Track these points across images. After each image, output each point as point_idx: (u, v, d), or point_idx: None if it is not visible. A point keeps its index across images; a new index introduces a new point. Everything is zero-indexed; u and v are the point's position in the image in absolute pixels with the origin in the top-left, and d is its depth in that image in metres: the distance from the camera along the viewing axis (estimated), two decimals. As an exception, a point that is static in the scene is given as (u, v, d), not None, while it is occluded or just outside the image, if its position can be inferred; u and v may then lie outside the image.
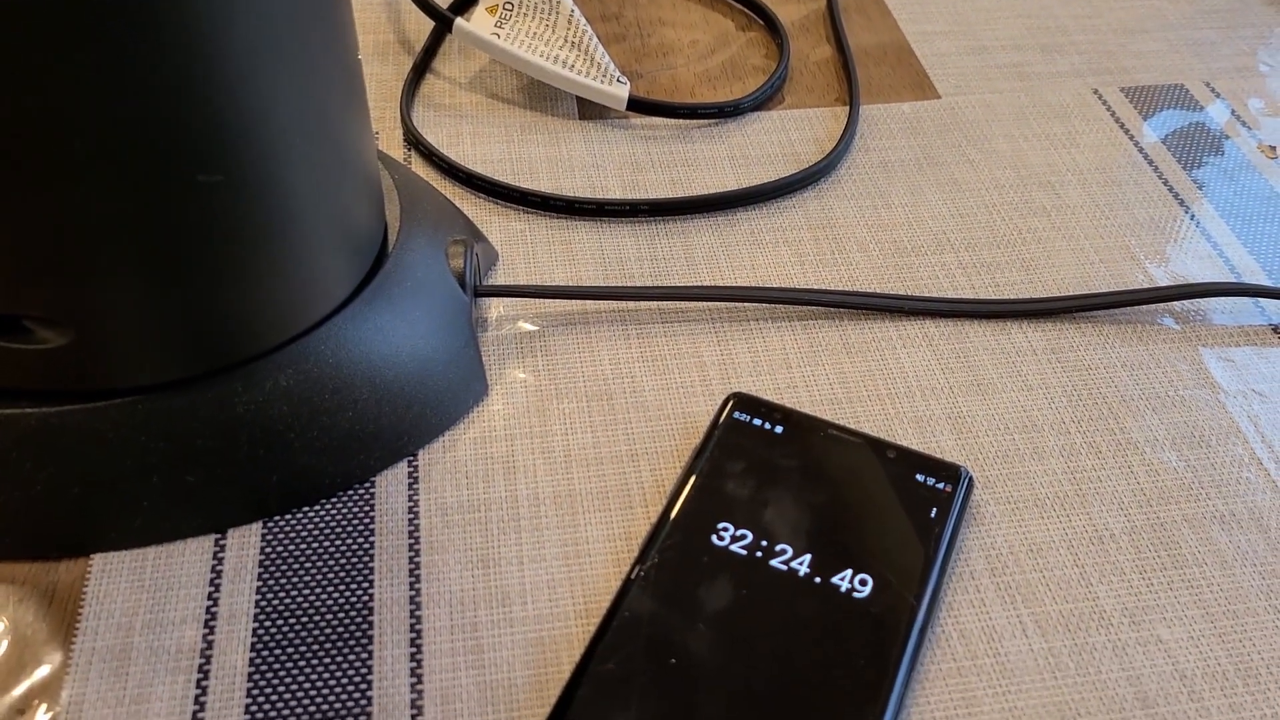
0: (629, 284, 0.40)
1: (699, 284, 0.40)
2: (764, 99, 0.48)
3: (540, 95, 0.48)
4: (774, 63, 0.51)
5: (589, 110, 0.47)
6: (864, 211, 0.43)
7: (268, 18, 0.26)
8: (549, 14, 0.47)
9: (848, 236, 0.42)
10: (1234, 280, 0.41)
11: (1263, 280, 0.41)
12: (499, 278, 0.40)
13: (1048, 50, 0.53)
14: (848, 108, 0.48)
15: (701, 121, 0.47)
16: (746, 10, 0.54)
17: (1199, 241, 0.43)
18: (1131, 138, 0.47)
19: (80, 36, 0.23)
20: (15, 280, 0.27)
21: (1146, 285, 0.41)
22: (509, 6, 0.48)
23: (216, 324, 0.30)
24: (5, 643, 0.29)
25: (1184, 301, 0.40)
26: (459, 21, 0.47)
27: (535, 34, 0.47)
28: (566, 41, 0.47)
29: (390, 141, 0.45)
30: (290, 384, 0.31)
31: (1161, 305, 0.40)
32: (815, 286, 0.40)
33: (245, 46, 0.25)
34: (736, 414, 0.34)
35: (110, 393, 0.30)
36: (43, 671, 0.28)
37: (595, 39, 0.47)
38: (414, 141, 0.45)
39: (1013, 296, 0.40)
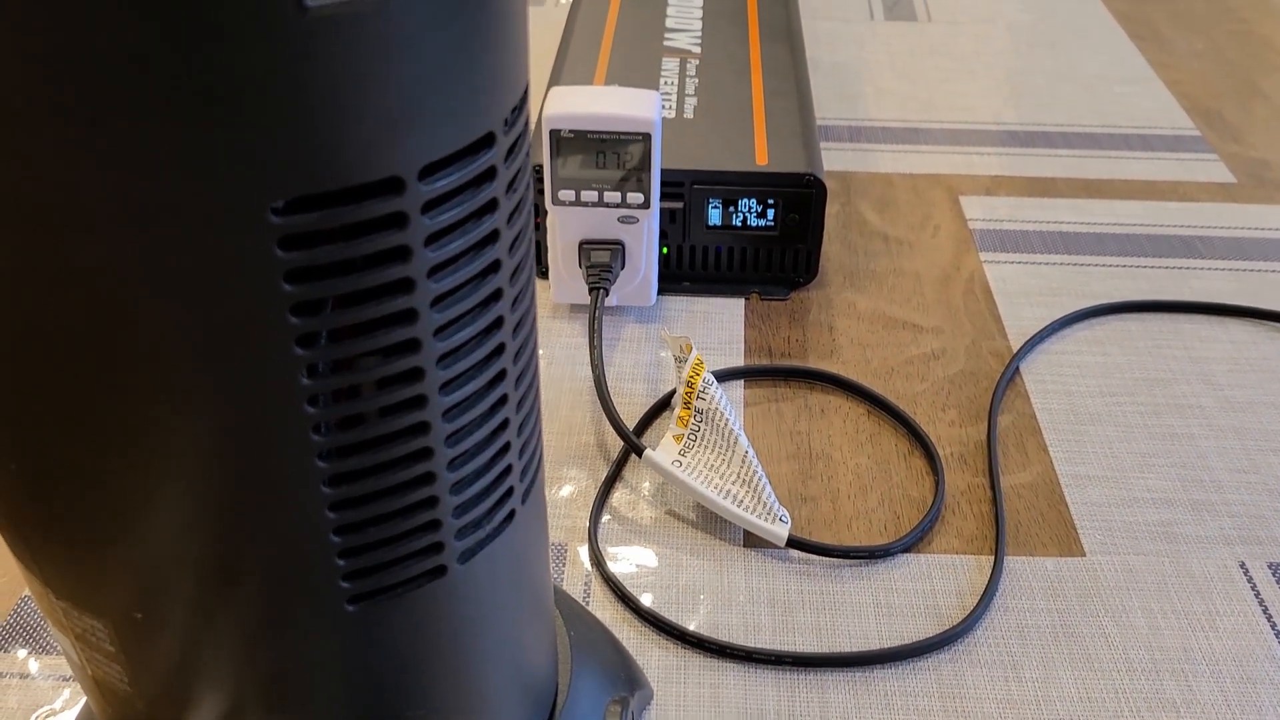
0: (766, 740, 0.44)
1: (829, 749, 0.44)
2: (913, 543, 0.53)
3: (711, 517, 0.55)
4: (929, 495, 0.56)
5: (753, 538, 0.53)
6: (995, 683, 0.47)
7: (494, 625, 0.33)
8: (726, 450, 0.54)
9: (976, 711, 0.46)
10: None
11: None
12: (650, 719, 0.45)
13: (1198, 508, 0.55)
14: (993, 558, 0.52)
15: (853, 561, 0.52)
16: (909, 434, 0.60)
17: (1330, 769, 0.43)
18: (1275, 627, 0.49)
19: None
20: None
21: (1270, 812, 0.42)
22: (693, 438, 0.55)
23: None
24: None
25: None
26: (648, 452, 0.54)
27: (712, 466, 0.54)
28: (739, 478, 0.53)
29: (576, 557, 0.52)
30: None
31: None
32: (938, 765, 0.44)
33: (471, 647, 0.33)
34: None
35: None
36: None
37: (764, 478, 0.53)
38: (597, 562, 0.52)
39: (1129, 809, 0.42)
